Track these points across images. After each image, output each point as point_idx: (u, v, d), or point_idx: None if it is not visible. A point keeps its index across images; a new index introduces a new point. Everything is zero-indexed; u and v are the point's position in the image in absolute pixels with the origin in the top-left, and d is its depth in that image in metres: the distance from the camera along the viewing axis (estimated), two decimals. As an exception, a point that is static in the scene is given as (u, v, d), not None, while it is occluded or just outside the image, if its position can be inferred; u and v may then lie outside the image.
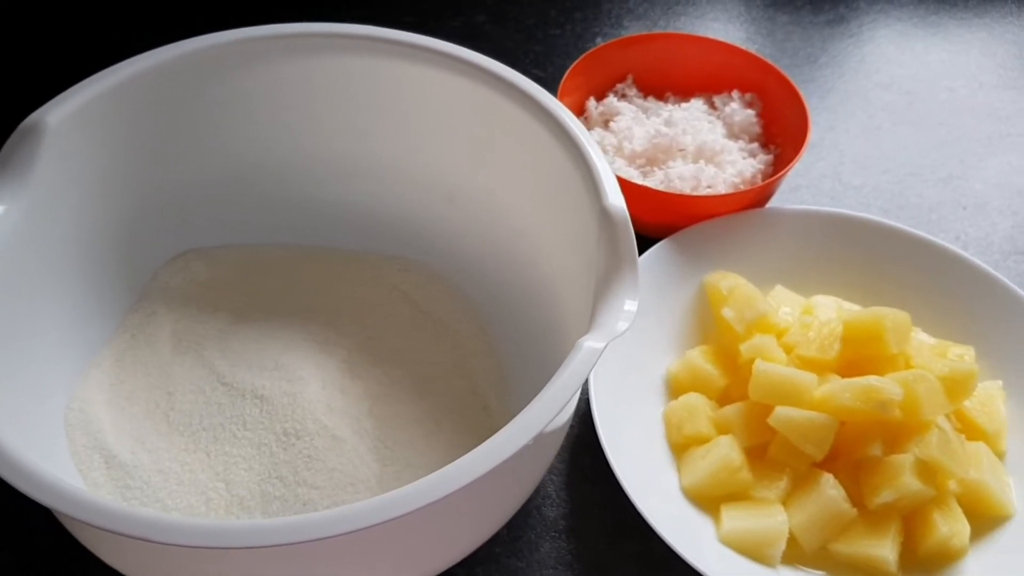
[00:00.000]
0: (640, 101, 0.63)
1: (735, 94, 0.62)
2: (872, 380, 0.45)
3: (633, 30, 0.76)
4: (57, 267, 0.44)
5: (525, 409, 0.34)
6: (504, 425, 0.47)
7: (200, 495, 0.42)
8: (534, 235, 0.48)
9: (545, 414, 0.33)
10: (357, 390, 0.47)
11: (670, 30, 0.76)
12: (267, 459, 0.43)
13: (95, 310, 0.47)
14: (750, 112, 0.61)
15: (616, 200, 0.40)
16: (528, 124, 0.46)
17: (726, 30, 0.76)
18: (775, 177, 0.55)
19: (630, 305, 0.38)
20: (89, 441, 0.43)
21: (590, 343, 0.35)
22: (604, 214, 0.40)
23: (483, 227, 0.51)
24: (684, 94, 0.64)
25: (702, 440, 0.46)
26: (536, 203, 0.48)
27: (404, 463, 0.44)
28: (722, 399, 0.48)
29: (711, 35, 0.75)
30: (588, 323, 0.38)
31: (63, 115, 0.43)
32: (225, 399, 0.45)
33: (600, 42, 0.73)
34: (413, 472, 0.44)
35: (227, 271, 0.52)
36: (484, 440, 0.45)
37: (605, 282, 0.38)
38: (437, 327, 0.51)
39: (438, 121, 0.50)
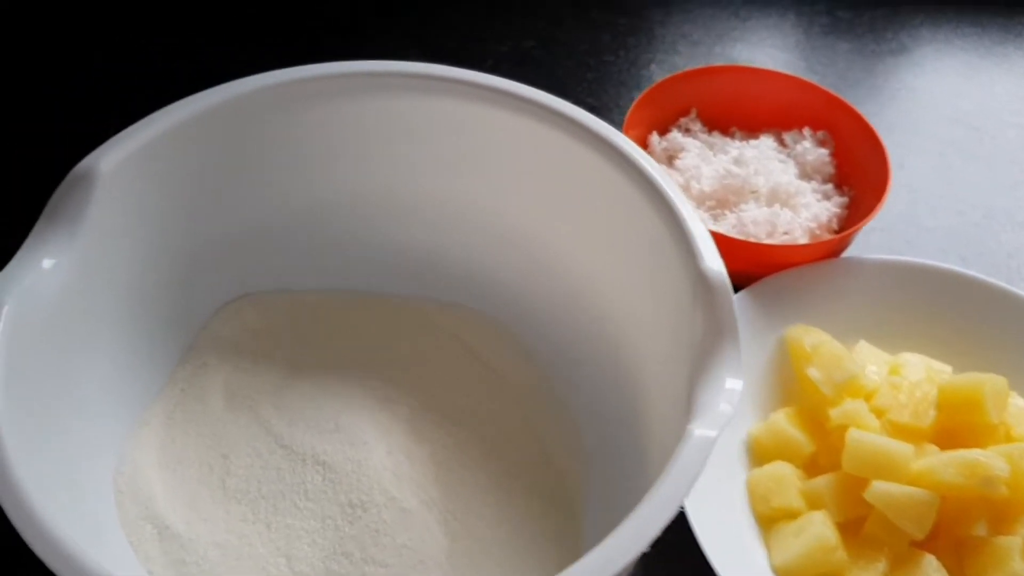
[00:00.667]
0: (705, 136, 0.60)
1: (807, 131, 0.59)
2: (976, 454, 0.42)
3: (687, 56, 0.73)
4: (106, 320, 0.41)
5: (636, 511, 0.30)
6: (578, 490, 0.45)
7: (260, 572, 0.39)
8: (608, 290, 0.45)
9: (660, 516, 0.30)
10: (423, 455, 0.44)
11: (726, 58, 0.73)
12: (332, 533, 0.40)
13: (144, 362, 0.44)
14: (823, 151, 0.58)
15: (714, 263, 0.37)
16: (602, 168, 0.43)
17: (786, 59, 0.73)
18: (858, 226, 0.52)
19: (732, 383, 0.34)
20: (140, 510, 0.40)
21: (702, 431, 0.32)
22: (701, 278, 0.37)
23: (548, 276, 0.48)
24: (750, 129, 0.61)
25: (792, 514, 0.43)
26: (613, 256, 0.45)
27: (474, 538, 0.42)
28: (810, 467, 0.46)
29: (769, 62, 0.72)
30: (679, 395, 0.36)
31: (116, 161, 0.40)
32: (284, 464, 0.42)
33: (655, 69, 0.71)
34: (484, 548, 0.41)
35: (280, 319, 0.49)
36: (558, 507, 0.42)
37: (703, 355, 0.35)
38: (501, 382, 0.48)
39: (500, 162, 0.47)
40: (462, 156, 0.48)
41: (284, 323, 0.49)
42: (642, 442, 0.42)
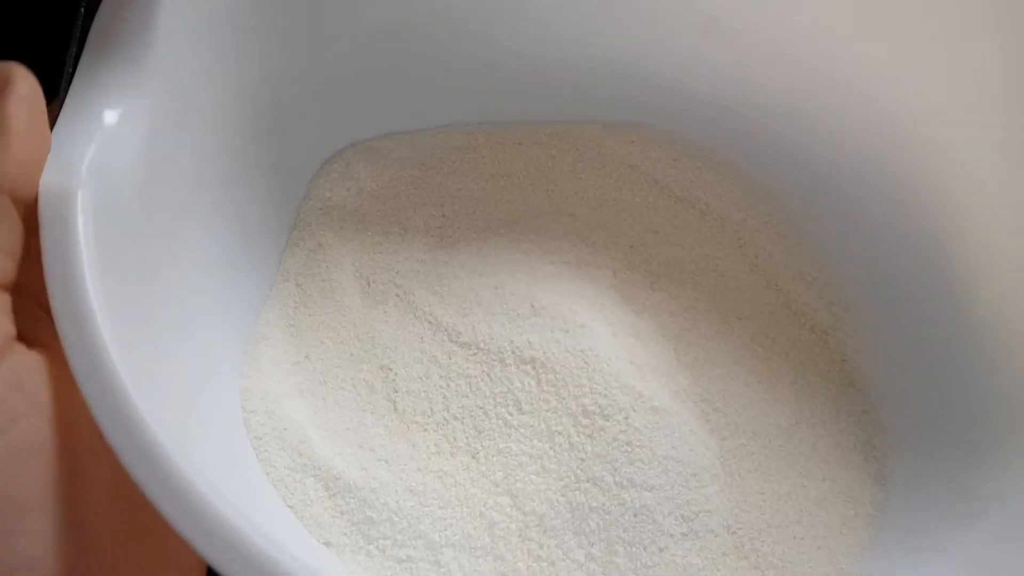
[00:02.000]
0: None
1: None
2: None
3: None
4: (194, 194, 0.28)
5: None
6: (848, 351, 0.34)
7: (479, 519, 0.28)
8: (884, 79, 0.32)
9: None
10: (650, 331, 0.32)
11: None
12: (567, 454, 0.29)
13: (244, 255, 0.31)
14: None
15: None
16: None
17: None
18: None
19: None
20: (293, 460, 0.29)
21: None
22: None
23: (766, 69, 0.35)
24: None
25: None
26: (890, 20, 0.31)
27: (747, 432, 0.31)
28: None
29: None
30: None
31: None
32: (474, 368, 0.30)
33: None
34: (760, 443, 0.31)
35: (402, 172, 0.36)
36: (830, 375, 0.32)
37: None
38: (708, 219, 0.36)
39: None
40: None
41: (410, 177, 0.35)
42: (955, 288, 0.31)
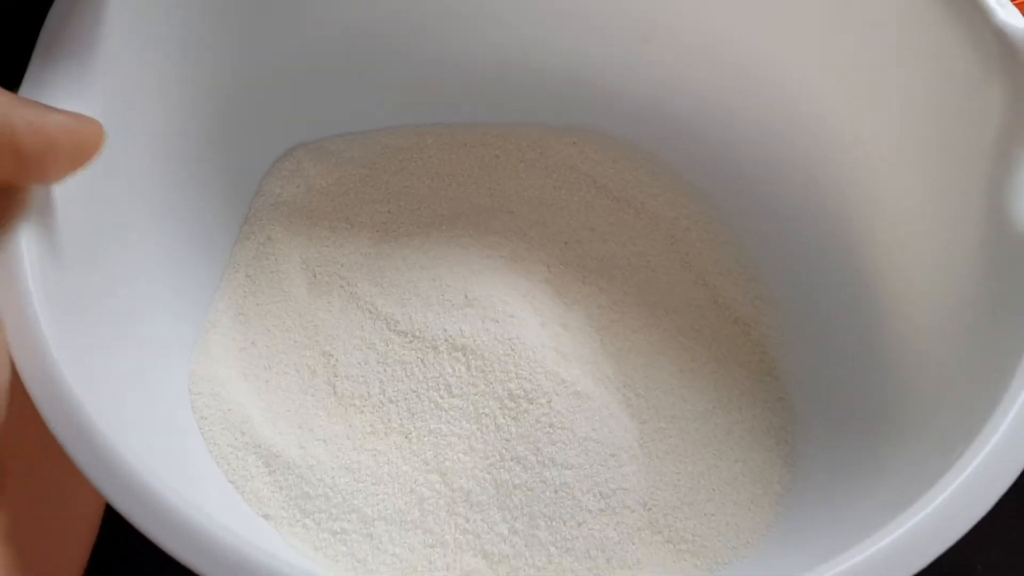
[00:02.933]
0: None
1: None
2: None
3: None
4: (145, 191, 0.30)
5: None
6: (768, 343, 0.36)
7: (409, 494, 0.30)
8: (802, 82, 0.34)
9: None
10: (578, 322, 0.34)
11: None
12: (493, 435, 0.31)
13: (195, 247, 0.33)
14: None
15: (1015, 18, 0.27)
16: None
17: None
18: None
19: None
20: (235, 438, 0.31)
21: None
22: (998, 38, 0.26)
23: (700, 73, 0.37)
24: None
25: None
26: (822, 28, 0.33)
27: (665, 416, 0.33)
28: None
29: None
30: (948, 210, 0.26)
31: (127, -42, 0.27)
32: (409, 354, 0.32)
33: None
34: (678, 427, 0.32)
35: (351, 170, 0.38)
36: (749, 366, 0.34)
37: (1014, 146, 0.26)
38: (643, 218, 0.38)
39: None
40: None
41: (358, 175, 0.37)
42: (864, 278, 0.33)
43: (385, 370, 0.32)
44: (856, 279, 0.33)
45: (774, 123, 0.35)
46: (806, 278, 0.35)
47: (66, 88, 0.25)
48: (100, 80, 0.26)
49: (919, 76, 0.29)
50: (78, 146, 0.23)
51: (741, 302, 0.36)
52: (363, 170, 0.38)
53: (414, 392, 0.32)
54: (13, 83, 0.25)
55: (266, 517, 0.30)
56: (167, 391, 0.30)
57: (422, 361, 0.32)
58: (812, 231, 0.35)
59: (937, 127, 0.28)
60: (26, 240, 0.23)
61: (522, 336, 0.32)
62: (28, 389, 0.21)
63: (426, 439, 0.31)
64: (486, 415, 0.31)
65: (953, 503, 0.20)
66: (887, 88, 0.31)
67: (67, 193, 0.25)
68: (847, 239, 0.33)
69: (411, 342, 0.33)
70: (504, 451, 0.31)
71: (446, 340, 0.32)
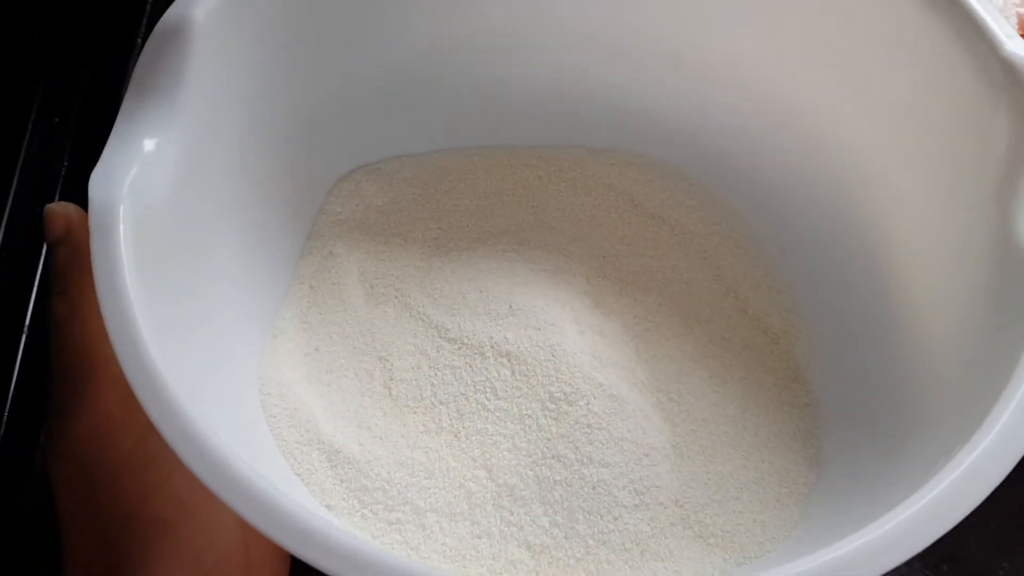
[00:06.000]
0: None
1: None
2: None
3: None
4: (223, 209, 0.33)
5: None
6: (796, 352, 0.38)
7: (458, 488, 0.33)
8: (824, 108, 0.37)
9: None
10: (615, 330, 0.37)
11: None
12: (535, 434, 0.34)
13: (264, 261, 0.36)
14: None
15: (1020, 48, 0.29)
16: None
17: None
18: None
19: None
20: (301, 435, 0.34)
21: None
22: (1006, 69, 0.28)
23: (727, 99, 0.39)
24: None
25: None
26: (846, 59, 0.35)
27: (698, 419, 0.35)
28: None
29: None
30: (960, 235, 0.28)
31: (211, 5, 0.31)
32: (458, 360, 0.35)
33: None
34: (711, 430, 0.35)
35: (405, 190, 0.41)
36: (778, 373, 0.36)
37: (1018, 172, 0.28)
38: (677, 234, 0.40)
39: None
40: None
41: (411, 194, 0.41)
42: (884, 294, 0.35)
43: (436, 374, 0.35)
44: (877, 295, 0.35)
45: (798, 148, 0.38)
46: (830, 292, 0.37)
47: (157, 119, 0.29)
48: (188, 112, 0.29)
49: (934, 107, 0.31)
50: None
51: (770, 313, 0.38)
52: (416, 190, 0.41)
53: (463, 395, 0.35)
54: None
55: (328, 507, 0.33)
56: (236, 387, 0.33)
57: (470, 366, 0.35)
58: (837, 249, 0.37)
59: (949, 153, 0.30)
60: (125, 247, 0.26)
61: (562, 343, 0.35)
62: (123, 371, 0.24)
63: (474, 438, 0.34)
64: (529, 416, 0.34)
65: (952, 491, 0.22)
66: (907, 119, 0.33)
67: (164, 209, 0.28)
68: (868, 258, 0.35)
69: (460, 348, 0.35)
70: (545, 450, 0.33)
71: (492, 347, 0.35)
